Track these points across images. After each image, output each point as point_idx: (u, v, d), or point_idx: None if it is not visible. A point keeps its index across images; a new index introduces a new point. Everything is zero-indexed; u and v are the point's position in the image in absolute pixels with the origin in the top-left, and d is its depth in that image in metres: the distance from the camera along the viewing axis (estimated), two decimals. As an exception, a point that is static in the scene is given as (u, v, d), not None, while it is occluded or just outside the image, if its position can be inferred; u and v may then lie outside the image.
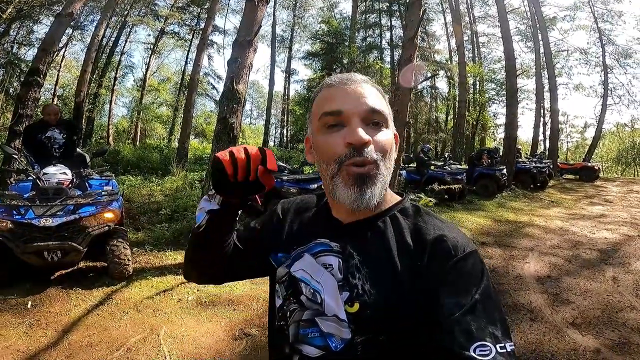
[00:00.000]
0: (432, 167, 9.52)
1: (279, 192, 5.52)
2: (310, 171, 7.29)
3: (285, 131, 27.45)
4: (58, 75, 19.19)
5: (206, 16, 15.34)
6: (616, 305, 3.39)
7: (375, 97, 0.67)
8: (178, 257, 4.33)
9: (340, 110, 0.64)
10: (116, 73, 20.43)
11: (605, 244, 5.61)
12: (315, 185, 5.62)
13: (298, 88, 24.98)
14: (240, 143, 22.00)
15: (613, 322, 3.07)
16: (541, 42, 17.76)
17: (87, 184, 4.03)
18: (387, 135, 0.66)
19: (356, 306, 0.63)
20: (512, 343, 0.54)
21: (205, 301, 3.28)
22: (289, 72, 24.43)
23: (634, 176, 24.84)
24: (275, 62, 18.02)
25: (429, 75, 18.98)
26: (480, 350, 0.52)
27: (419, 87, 20.43)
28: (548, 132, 20.81)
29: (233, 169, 0.63)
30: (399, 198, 0.74)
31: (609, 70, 21.30)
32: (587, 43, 22.42)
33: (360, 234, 0.68)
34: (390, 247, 0.65)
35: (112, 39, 19.27)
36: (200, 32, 15.81)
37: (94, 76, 17.42)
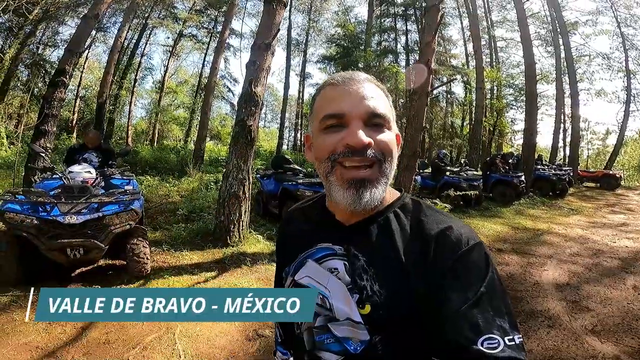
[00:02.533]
0: (448, 173, 9.40)
1: (294, 195, 5.54)
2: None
3: (299, 135, 27.61)
4: (81, 76, 19.73)
5: (223, 19, 15.56)
6: (637, 313, 3.31)
7: (377, 99, 0.66)
8: (194, 257, 4.39)
9: (342, 112, 0.64)
10: (136, 75, 20.88)
11: (627, 252, 5.46)
12: (331, 189, 5.61)
13: (312, 92, 24.97)
14: (257, 147, 22.17)
15: (633, 329, 2.99)
16: (562, 47, 17.47)
17: (110, 183, 4.14)
18: (389, 136, 0.65)
19: (367, 308, 0.62)
20: (520, 335, 0.54)
21: (220, 301, 3.33)
22: (303, 76, 24.55)
23: (658, 185, 23.98)
24: (291, 66, 18.12)
25: (445, 80, 18.85)
26: (488, 343, 0.52)
27: (435, 92, 20.28)
28: (568, 139, 20.48)
29: None
30: (398, 194, 0.73)
31: (632, 75, 20.81)
32: (610, 48, 21.93)
33: (364, 234, 0.68)
34: (395, 245, 0.64)
35: (133, 41, 19.70)
36: (218, 35, 16.02)
37: (115, 78, 17.80)
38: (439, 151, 11.28)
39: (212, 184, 9.80)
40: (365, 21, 17.87)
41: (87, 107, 20.66)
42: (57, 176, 3.69)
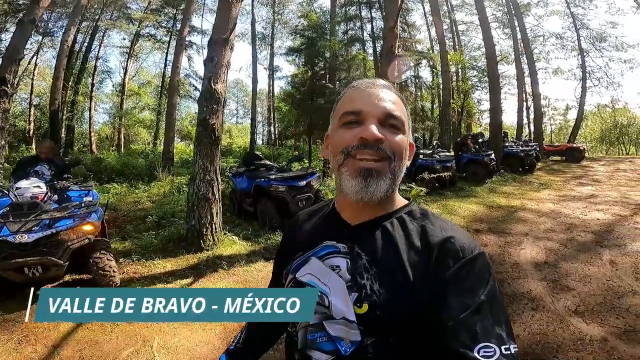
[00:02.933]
0: (422, 156, 9.47)
1: (267, 192, 5.38)
2: (300, 167, 7.17)
3: (272, 129, 27.30)
4: (32, 84, 18.67)
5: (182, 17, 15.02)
6: (617, 290, 3.35)
7: (394, 103, 0.70)
8: (167, 265, 4.18)
9: (360, 109, 0.68)
10: (93, 79, 20.03)
11: (599, 225, 5.59)
12: (304, 182, 5.49)
13: (283, 85, 24.81)
14: (227, 143, 21.73)
15: (616, 308, 3.02)
16: (518, 29, 17.98)
17: (66, 196, 3.85)
18: (402, 138, 0.69)
19: (365, 307, 0.62)
20: (515, 345, 0.55)
21: (198, 309, 3.19)
22: (272, 69, 24.25)
23: (619, 155, 25.33)
24: (258, 60, 17.77)
25: (412, 64, 19.02)
26: (485, 352, 0.53)
27: (403, 77, 20.46)
28: (532, 116, 21.19)
29: None
30: (406, 202, 0.76)
31: (585, 54, 21.76)
32: (562, 28, 22.81)
33: (369, 234, 0.69)
34: (399, 248, 0.65)
35: (86, 44, 18.85)
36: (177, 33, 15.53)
37: (71, 83, 17.04)
38: (412, 135, 11.33)
39: (184, 186, 9.47)
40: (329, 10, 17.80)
41: (44, 115, 19.56)
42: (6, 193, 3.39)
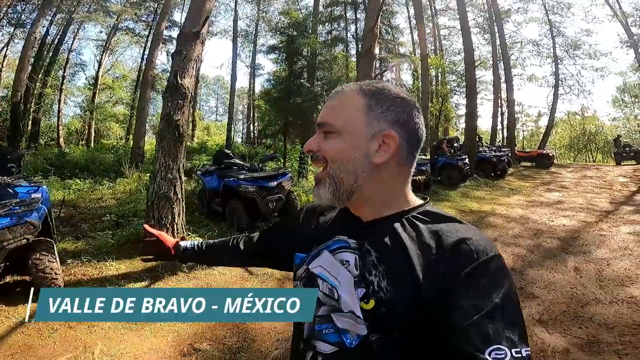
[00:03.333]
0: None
1: (236, 192, 5.19)
2: (274, 167, 7.01)
3: (252, 127, 26.92)
4: (0, 75, 17.67)
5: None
6: (581, 299, 3.36)
7: (333, 108, 0.73)
8: (121, 266, 3.95)
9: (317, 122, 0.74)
10: (64, 71, 19.29)
11: (565, 231, 5.68)
12: (275, 183, 5.33)
13: (265, 83, 24.53)
14: (204, 141, 21.20)
15: (579, 317, 3.02)
16: (497, 34, 18.35)
17: (12, 191, 3.54)
18: (333, 144, 0.71)
19: (372, 303, 0.63)
20: (528, 348, 0.53)
21: (150, 314, 3.00)
22: (253, 67, 23.92)
23: (586, 162, 26.34)
24: (241, 58, 17.55)
25: (394, 68, 19.17)
26: (496, 354, 0.51)
27: (384, 79, 20.57)
28: (506, 122, 21.70)
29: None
30: (421, 201, 0.76)
31: (559, 61, 22.56)
32: (539, 35, 23.60)
33: (379, 232, 0.69)
34: (411, 247, 0.64)
35: (59, 36, 18.16)
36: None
37: (40, 75, 16.50)
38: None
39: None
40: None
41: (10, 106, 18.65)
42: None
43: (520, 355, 0.52)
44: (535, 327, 2.89)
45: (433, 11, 22.40)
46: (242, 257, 1.05)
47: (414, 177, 8.62)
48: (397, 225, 0.68)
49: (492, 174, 12.17)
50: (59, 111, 18.95)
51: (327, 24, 18.96)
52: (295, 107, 8.65)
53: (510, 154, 14.45)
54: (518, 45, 23.42)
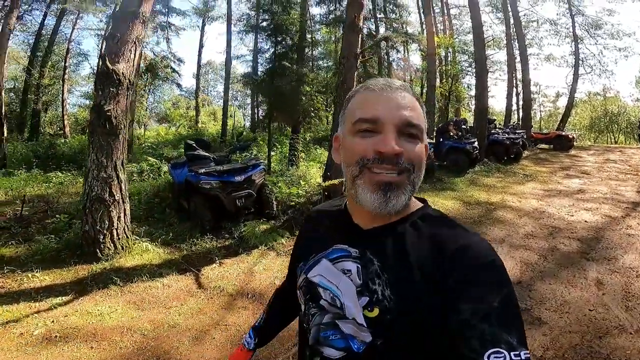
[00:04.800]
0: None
1: (196, 188, 4.50)
2: (245, 158, 6.29)
3: (255, 112, 26.26)
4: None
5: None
6: (600, 325, 2.58)
7: (413, 109, 0.67)
8: (46, 278, 3.35)
9: (377, 117, 0.65)
10: (65, 62, 18.94)
11: (586, 229, 4.78)
12: (242, 177, 4.62)
13: (260, 67, 23.80)
14: (198, 128, 20.84)
15: (594, 353, 2.25)
16: (510, 13, 17.14)
17: None
18: (420, 148, 0.67)
19: (376, 311, 0.62)
20: (527, 351, 0.52)
21: (56, 336, 2.55)
22: (256, 51, 22.96)
23: (607, 143, 24.81)
24: (244, 42, 16.95)
25: (400, 47, 18.05)
26: (495, 357, 0.51)
27: (390, 59, 19.57)
28: (521, 102, 20.53)
29: None
30: (420, 204, 0.73)
31: (579, 40, 21.33)
32: (557, 14, 22.32)
33: (381, 239, 0.67)
34: (413, 254, 0.63)
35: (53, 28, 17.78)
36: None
37: (37, 67, 16.35)
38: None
39: (136, 174, 8.53)
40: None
41: (18, 98, 18.63)
42: None
43: (519, 358, 0.51)
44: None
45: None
46: (294, 297, 0.83)
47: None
48: (399, 232, 0.66)
49: (505, 158, 11.12)
50: (62, 101, 18.71)
51: (323, 4, 17.84)
52: (278, 90, 7.79)
53: (525, 136, 13.32)
54: (534, 25, 22.33)
